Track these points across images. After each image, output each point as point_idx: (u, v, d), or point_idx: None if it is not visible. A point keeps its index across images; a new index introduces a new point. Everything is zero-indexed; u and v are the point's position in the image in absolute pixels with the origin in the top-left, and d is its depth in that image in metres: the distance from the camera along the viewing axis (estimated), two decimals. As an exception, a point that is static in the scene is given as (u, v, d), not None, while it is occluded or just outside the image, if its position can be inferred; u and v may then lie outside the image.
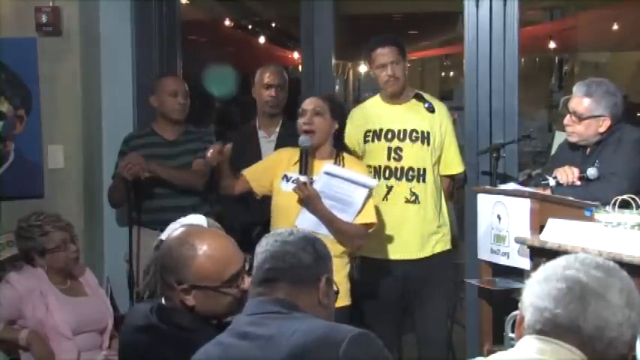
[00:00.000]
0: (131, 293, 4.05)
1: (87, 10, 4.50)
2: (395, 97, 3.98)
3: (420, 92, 4.06)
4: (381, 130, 3.96)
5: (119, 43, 4.65)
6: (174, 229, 2.54)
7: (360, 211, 3.57)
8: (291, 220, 3.54)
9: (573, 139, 3.58)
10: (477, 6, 4.34)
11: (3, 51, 4.34)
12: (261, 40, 10.06)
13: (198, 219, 2.61)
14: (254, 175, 3.73)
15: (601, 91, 3.54)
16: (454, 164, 4.08)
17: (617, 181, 3.34)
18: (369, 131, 3.98)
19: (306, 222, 3.49)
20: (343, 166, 3.66)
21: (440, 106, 4.04)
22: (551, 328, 1.52)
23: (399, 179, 3.92)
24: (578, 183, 3.47)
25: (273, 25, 10.42)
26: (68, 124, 4.41)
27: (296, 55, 10.07)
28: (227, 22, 9.52)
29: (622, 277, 1.55)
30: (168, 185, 4.09)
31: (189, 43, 7.31)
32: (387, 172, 3.93)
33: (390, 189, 3.93)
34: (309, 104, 3.67)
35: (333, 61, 4.75)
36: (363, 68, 11.22)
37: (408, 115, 3.97)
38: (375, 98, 4.10)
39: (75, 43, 4.41)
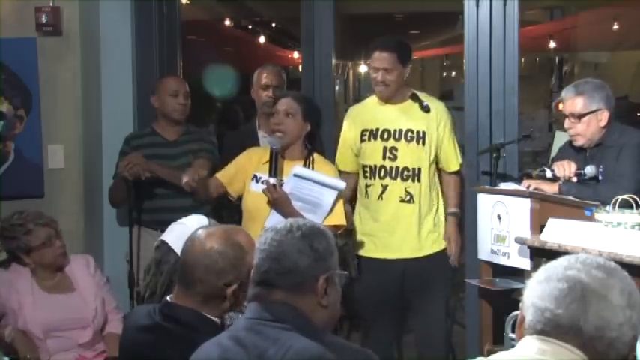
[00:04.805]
0: (131, 293, 4.05)
1: (87, 10, 4.50)
2: (390, 98, 3.99)
3: (416, 92, 4.05)
4: (377, 129, 3.97)
5: (119, 43, 4.64)
6: (178, 229, 2.55)
7: (329, 213, 3.60)
8: (262, 221, 3.57)
9: (579, 142, 3.57)
10: (477, 6, 4.34)
11: (3, 51, 4.34)
12: (261, 40, 10.06)
13: (199, 219, 2.61)
14: (227, 179, 3.75)
15: (590, 87, 3.56)
16: (451, 161, 4.05)
17: (625, 183, 3.34)
18: (366, 130, 4.00)
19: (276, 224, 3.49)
20: (313, 167, 3.69)
21: (437, 105, 4.04)
22: (552, 329, 1.52)
23: (394, 179, 3.93)
24: (574, 179, 3.47)
25: (273, 25, 10.42)
26: (68, 124, 4.40)
27: (296, 55, 10.06)
28: (227, 22, 9.52)
29: (623, 278, 1.55)
30: (169, 185, 4.09)
31: (189, 43, 7.31)
32: (382, 171, 3.94)
33: (385, 188, 3.94)
34: (281, 104, 3.70)
35: (333, 61, 4.75)
36: (363, 68, 11.22)
37: (403, 115, 3.98)
38: (372, 98, 4.10)
39: (75, 43, 4.40)
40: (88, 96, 4.49)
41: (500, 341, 3.37)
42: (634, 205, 3.04)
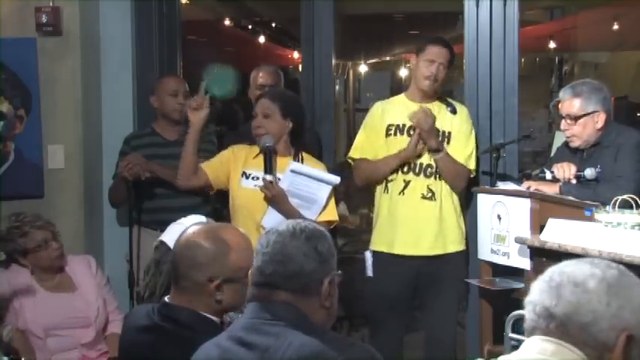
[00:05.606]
0: (131, 293, 4.05)
1: (87, 10, 4.50)
2: (421, 97, 3.99)
3: (444, 96, 4.08)
4: (404, 125, 3.96)
5: (119, 43, 4.64)
6: (177, 230, 2.55)
7: (323, 208, 3.61)
8: (256, 218, 3.58)
9: (575, 143, 3.58)
10: (477, 6, 4.33)
11: (3, 51, 4.33)
12: (261, 40, 10.06)
13: (199, 219, 2.61)
14: (213, 171, 3.74)
15: (588, 89, 3.56)
16: (458, 155, 3.99)
17: (624, 184, 3.34)
18: (392, 125, 3.99)
19: (273, 221, 3.49)
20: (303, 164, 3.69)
21: (462, 109, 4.07)
22: (536, 322, 1.53)
23: (417, 175, 3.92)
24: (574, 181, 3.47)
25: (273, 25, 10.41)
26: (68, 124, 4.40)
27: (296, 55, 10.06)
28: (227, 22, 9.52)
29: (623, 274, 1.54)
30: (169, 185, 4.09)
31: (189, 43, 7.31)
32: (406, 166, 3.93)
33: (407, 183, 3.93)
34: (258, 106, 3.71)
35: (333, 61, 4.75)
36: (363, 68, 11.19)
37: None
38: (399, 96, 4.12)
39: (75, 43, 4.40)
40: (88, 96, 4.49)
41: (500, 341, 3.37)
42: (634, 205, 3.04)
